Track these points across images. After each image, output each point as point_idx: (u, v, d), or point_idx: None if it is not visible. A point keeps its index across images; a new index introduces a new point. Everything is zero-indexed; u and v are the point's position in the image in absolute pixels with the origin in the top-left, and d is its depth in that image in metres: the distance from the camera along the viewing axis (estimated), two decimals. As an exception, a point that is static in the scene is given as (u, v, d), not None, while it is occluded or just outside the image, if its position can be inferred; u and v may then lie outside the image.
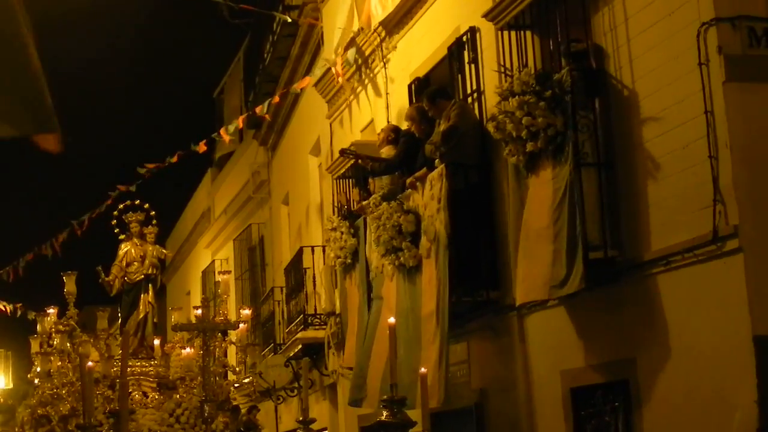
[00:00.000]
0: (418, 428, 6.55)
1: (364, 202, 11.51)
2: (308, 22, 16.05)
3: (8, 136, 4.63)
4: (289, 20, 16.57)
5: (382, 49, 12.93)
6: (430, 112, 10.47)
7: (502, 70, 9.47)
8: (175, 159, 17.08)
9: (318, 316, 15.19)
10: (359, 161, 12.08)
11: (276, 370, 16.83)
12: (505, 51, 9.49)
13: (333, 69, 13.88)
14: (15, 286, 20.16)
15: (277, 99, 16.77)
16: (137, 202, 13.91)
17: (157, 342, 13.49)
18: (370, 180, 11.95)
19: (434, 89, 10.72)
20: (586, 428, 8.81)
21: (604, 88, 8.48)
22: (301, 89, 15.90)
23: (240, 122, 16.83)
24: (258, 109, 16.74)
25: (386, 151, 11.81)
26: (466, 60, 10.65)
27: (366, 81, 13.57)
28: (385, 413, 6.15)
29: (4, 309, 19.70)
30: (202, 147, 16.80)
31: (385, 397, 6.22)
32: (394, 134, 11.93)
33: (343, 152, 12.45)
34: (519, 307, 9.55)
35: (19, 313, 19.97)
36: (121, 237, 13.69)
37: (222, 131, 16.96)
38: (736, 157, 7.19)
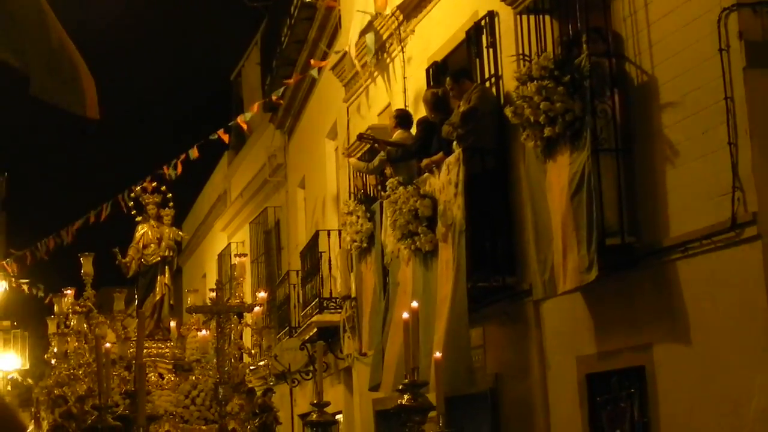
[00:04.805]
0: (433, 412, 6.55)
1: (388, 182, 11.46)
2: (326, 5, 16.01)
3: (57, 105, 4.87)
4: (307, 0, 16.50)
5: (399, 32, 12.90)
6: (452, 92, 10.45)
7: (521, 54, 9.44)
8: (196, 154, 17.13)
9: (333, 300, 15.20)
10: (376, 146, 12.09)
11: (291, 353, 16.88)
12: (523, 35, 9.45)
13: (351, 56, 13.85)
14: (33, 267, 20.29)
15: (292, 81, 16.77)
16: (154, 184, 13.93)
17: (173, 324, 13.52)
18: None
19: (459, 69, 10.70)
20: (602, 414, 8.80)
21: (623, 73, 8.44)
22: (319, 70, 15.87)
23: (255, 108, 16.84)
24: (274, 96, 16.76)
25: (397, 135, 11.82)
26: (485, 44, 10.61)
27: (383, 65, 13.54)
28: (405, 397, 6.14)
29: (21, 289, 19.83)
30: (222, 135, 16.86)
31: (405, 380, 6.20)
32: (396, 119, 11.97)
33: (360, 137, 12.45)
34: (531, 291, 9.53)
35: (36, 293, 20.12)
36: (138, 219, 13.71)
37: (240, 119, 17.00)
38: (755, 143, 7.16)
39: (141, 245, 13.54)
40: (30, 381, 24.31)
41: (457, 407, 10.48)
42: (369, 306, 12.39)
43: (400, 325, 9.43)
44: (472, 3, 11.04)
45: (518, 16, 9.55)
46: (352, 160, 13.11)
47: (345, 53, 14.25)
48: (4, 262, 19.93)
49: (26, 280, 20.12)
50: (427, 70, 12.05)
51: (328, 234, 15.40)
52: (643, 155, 8.23)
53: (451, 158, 10.08)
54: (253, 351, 12.76)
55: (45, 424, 13.41)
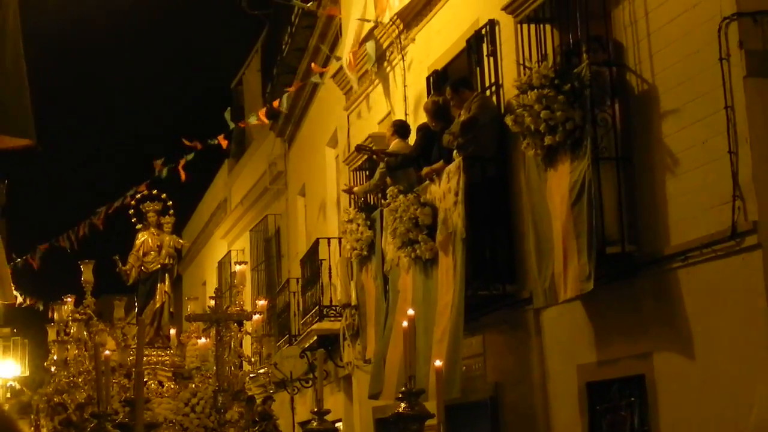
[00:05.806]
0: (432, 421, 6.55)
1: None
2: (327, 14, 16.03)
3: None
4: (307, 6, 16.49)
5: (400, 41, 12.92)
6: (452, 101, 10.46)
7: (521, 63, 9.45)
8: (191, 156, 17.14)
9: (333, 308, 15.20)
10: (374, 157, 12.11)
11: (291, 361, 16.87)
12: (524, 44, 9.46)
13: (347, 71, 13.88)
14: (33, 275, 20.29)
15: (294, 88, 16.76)
16: (155, 192, 13.95)
17: (173, 332, 13.52)
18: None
19: (458, 79, 10.71)
20: (602, 423, 8.79)
21: (623, 82, 8.45)
22: (320, 74, 15.86)
23: (261, 115, 16.85)
24: (275, 104, 16.77)
25: (394, 145, 11.84)
26: (485, 53, 10.62)
27: (383, 73, 13.55)
28: (402, 405, 6.13)
29: (21, 299, 19.79)
30: (222, 142, 16.86)
31: (403, 389, 6.20)
32: (394, 128, 12.01)
33: (359, 148, 12.48)
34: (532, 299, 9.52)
35: (30, 303, 20.09)
36: (138, 227, 13.71)
37: (241, 124, 17.00)
38: (755, 152, 7.16)
39: (141, 253, 13.54)
40: (27, 391, 24.29)
41: (457, 415, 10.47)
42: (372, 314, 12.39)
43: (400, 334, 9.44)
44: (472, 11, 11.05)
45: (519, 25, 9.56)
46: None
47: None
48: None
49: (19, 293, 20.08)
50: (428, 79, 12.06)
51: (329, 242, 15.40)
52: (643, 164, 8.23)
53: (452, 166, 10.08)
54: (252, 359, 12.75)
55: (44, 432, 13.41)
